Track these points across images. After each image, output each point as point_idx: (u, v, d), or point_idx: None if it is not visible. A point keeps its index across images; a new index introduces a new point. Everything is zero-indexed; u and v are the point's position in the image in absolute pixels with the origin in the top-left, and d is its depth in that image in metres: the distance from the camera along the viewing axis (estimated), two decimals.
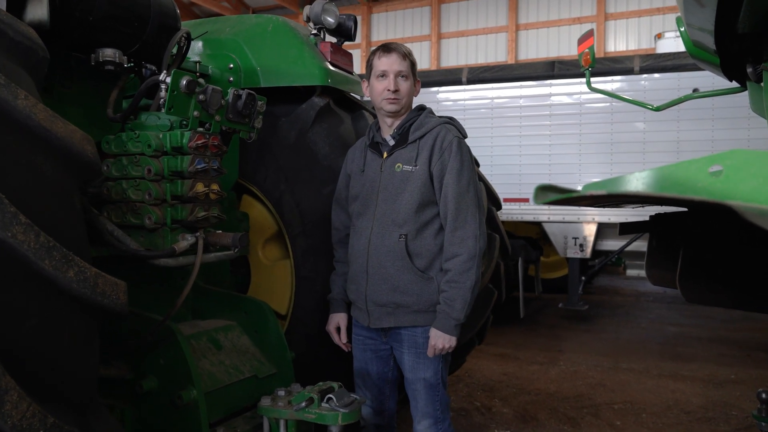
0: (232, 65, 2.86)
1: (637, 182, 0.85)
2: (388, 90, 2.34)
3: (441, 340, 2.27)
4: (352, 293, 2.50)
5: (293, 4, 16.93)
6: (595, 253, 7.13)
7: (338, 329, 2.58)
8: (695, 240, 1.89)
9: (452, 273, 2.26)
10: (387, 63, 2.36)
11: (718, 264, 1.89)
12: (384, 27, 17.05)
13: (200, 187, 1.95)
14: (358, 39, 16.73)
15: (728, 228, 1.77)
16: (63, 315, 1.31)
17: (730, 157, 0.84)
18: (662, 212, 2.30)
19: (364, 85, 2.51)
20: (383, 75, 2.36)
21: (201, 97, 1.96)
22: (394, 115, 2.40)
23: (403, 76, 2.37)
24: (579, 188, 0.95)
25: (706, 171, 0.86)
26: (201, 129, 2.01)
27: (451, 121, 2.46)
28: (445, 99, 7.45)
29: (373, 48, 2.46)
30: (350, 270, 2.50)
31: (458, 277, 2.25)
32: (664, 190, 0.86)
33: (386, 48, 2.40)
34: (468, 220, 2.28)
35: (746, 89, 2.72)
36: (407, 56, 2.39)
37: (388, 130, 2.45)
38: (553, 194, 0.84)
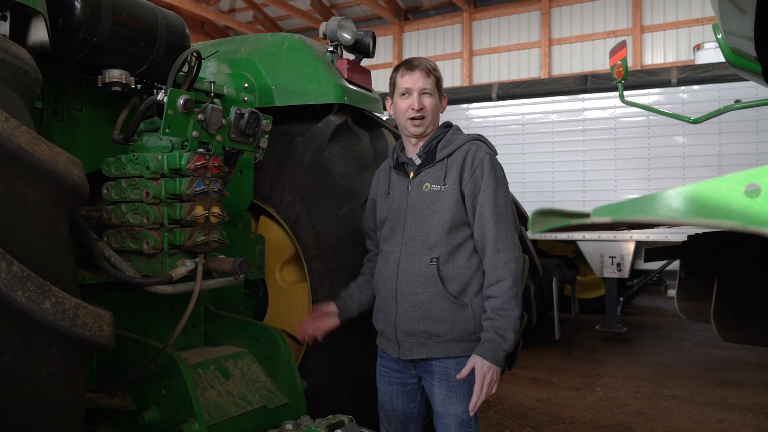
0: (246, 84, 2.81)
1: (655, 205, 0.72)
2: (412, 108, 2.23)
3: (492, 372, 2.05)
4: (379, 322, 2.34)
5: None
6: (634, 272, 6.84)
7: (318, 319, 2.45)
8: (732, 267, 1.69)
9: (501, 300, 2.08)
10: (410, 81, 2.25)
11: (759, 296, 1.68)
12: (416, 45, 17.07)
13: (199, 211, 1.86)
14: (390, 58, 16.81)
15: None
16: (40, 350, 1.23)
17: None
18: (697, 233, 2.11)
19: (388, 102, 2.41)
20: (406, 93, 2.26)
21: (200, 116, 1.89)
22: (419, 136, 2.29)
23: (427, 93, 2.25)
24: (589, 210, 0.82)
25: (741, 190, 0.72)
26: (201, 150, 1.94)
27: (480, 138, 2.33)
28: (476, 116, 7.33)
29: (397, 64, 2.36)
30: (378, 298, 2.36)
31: (507, 304, 2.07)
32: (690, 215, 0.72)
33: (409, 65, 2.28)
34: (509, 241, 2.13)
35: None
36: (431, 72, 2.27)
37: (413, 149, 2.33)
38: (553, 220, 0.71)
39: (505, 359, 2.11)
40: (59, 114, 2.27)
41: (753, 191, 0.69)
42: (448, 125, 2.36)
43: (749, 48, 2.10)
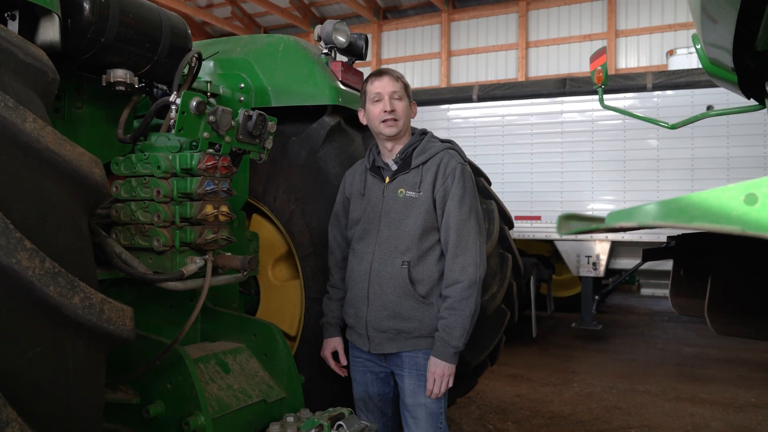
0: (242, 85, 2.85)
1: (666, 211, 0.81)
2: (385, 111, 2.33)
3: (440, 368, 2.24)
4: (350, 318, 2.46)
5: (304, 23, 17.10)
6: (609, 271, 7.03)
7: (335, 354, 2.55)
8: (724, 265, 1.82)
9: (452, 300, 2.23)
10: (380, 86, 2.37)
11: (750, 293, 1.81)
12: (394, 45, 17.15)
13: (209, 209, 1.92)
14: (369, 57, 16.83)
15: (760, 253, 1.70)
16: (68, 343, 1.28)
17: (766, 185, 0.80)
18: (686, 233, 2.23)
19: (361, 114, 2.51)
20: (377, 99, 2.37)
21: (211, 118, 1.94)
22: (393, 138, 2.39)
23: (397, 97, 2.36)
24: (602, 214, 0.91)
25: (740, 199, 0.82)
26: (211, 150, 1.99)
27: (452, 146, 2.45)
28: (456, 117, 7.43)
29: (366, 77, 2.48)
30: (349, 294, 2.46)
31: (458, 305, 2.22)
32: (695, 219, 0.81)
33: (377, 72, 2.42)
34: (469, 247, 2.25)
35: (765, 107, 2.67)
36: (399, 78, 2.41)
37: (389, 155, 2.43)
38: (577, 224, 0.80)
39: (456, 355, 2.25)
40: (60, 112, 2.28)
41: (750, 198, 0.78)
42: (423, 132, 2.47)
43: (727, 59, 2.22)
